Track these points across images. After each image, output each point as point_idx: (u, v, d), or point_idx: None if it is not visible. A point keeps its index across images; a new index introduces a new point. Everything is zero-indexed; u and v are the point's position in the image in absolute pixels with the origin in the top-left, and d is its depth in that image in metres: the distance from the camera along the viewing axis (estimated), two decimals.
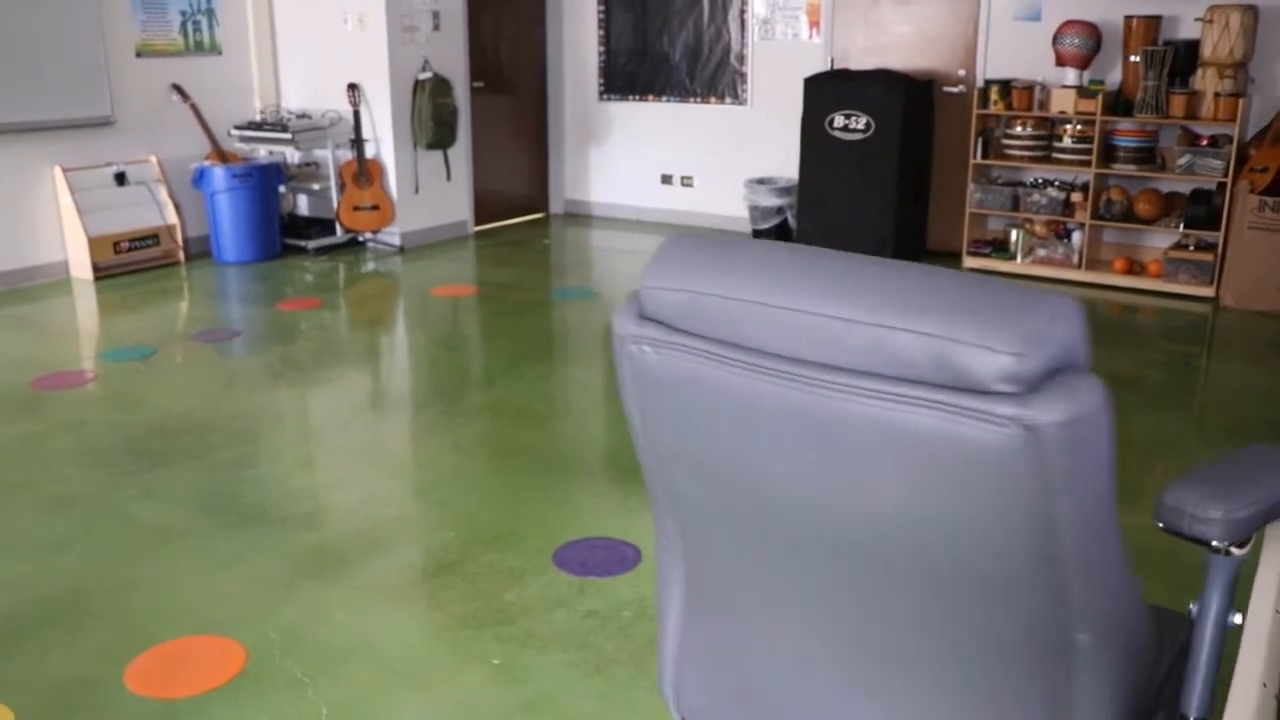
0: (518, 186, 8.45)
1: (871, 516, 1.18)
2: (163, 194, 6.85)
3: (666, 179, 8.23)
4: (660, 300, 1.26)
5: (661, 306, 1.26)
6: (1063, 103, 6.28)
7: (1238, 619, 1.36)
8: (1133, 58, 6.16)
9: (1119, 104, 6.22)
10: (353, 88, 7.13)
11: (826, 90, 6.88)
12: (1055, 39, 6.34)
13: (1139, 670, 1.33)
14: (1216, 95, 5.89)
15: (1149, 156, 6.20)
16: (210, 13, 7.15)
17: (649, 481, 1.46)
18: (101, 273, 6.50)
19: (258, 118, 7.38)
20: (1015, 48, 6.66)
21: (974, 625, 1.23)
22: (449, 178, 7.66)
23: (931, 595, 1.22)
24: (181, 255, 6.92)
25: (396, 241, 7.38)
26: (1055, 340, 1.05)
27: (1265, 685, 1.44)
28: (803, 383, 1.15)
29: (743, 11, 7.61)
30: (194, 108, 6.95)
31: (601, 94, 8.34)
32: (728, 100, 7.81)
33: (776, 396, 1.17)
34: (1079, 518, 1.11)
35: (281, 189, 7.17)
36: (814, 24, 7.35)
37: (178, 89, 6.93)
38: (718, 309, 1.21)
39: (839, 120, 6.83)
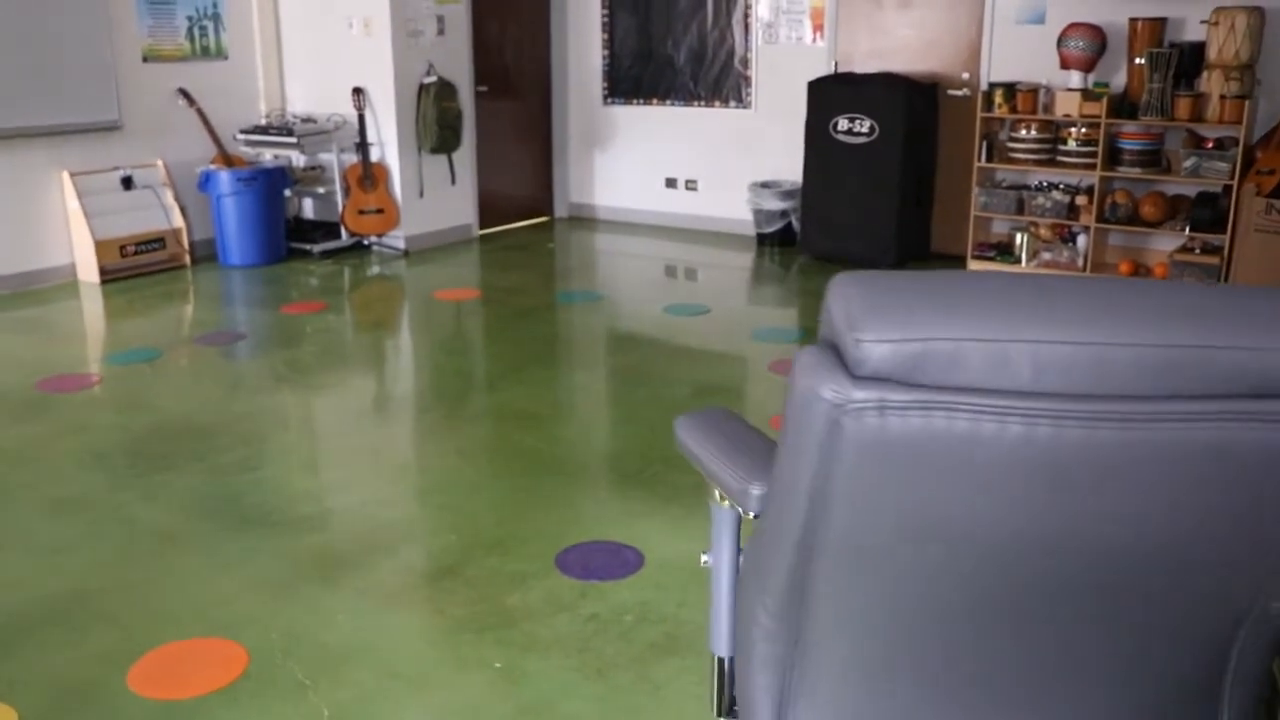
0: (522, 190, 8.46)
1: (1132, 548, 1.14)
2: (169, 198, 6.87)
3: (671, 183, 8.23)
4: (877, 354, 1.11)
5: (880, 362, 1.11)
6: (1067, 106, 6.27)
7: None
8: (1138, 60, 6.15)
9: (1124, 107, 6.21)
10: (358, 92, 7.15)
11: (830, 94, 6.88)
12: (1059, 42, 6.33)
13: None
14: (1222, 97, 5.87)
15: (1154, 159, 6.18)
16: (216, 18, 7.17)
17: (773, 570, 1.30)
18: (108, 276, 6.53)
19: (263, 122, 7.41)
20: (1019, 51, 6.65)
21: (1180, 629, 1.22)
22: (453, 181, 7.67)
23: (1142, 616, 1.20)
24: (187, 259, 6.94)
25: (401, 245, 7.40)
26: None
27: None
28: (1073, 419, 1.07)
29: (746, 15, 7.61)
30: (200, 112, 6.97)
31: (606, 98, 8.35)
32: (732, 104, 7.82)
33: (1025, 438, 1.09)
34: None
35: (287, 193, 7.19)
36: (818, 27, 7.35)
37: (184, 93, 6.95)
38: (950, 353, 1.10)
39: (843, 124, 6.83)
